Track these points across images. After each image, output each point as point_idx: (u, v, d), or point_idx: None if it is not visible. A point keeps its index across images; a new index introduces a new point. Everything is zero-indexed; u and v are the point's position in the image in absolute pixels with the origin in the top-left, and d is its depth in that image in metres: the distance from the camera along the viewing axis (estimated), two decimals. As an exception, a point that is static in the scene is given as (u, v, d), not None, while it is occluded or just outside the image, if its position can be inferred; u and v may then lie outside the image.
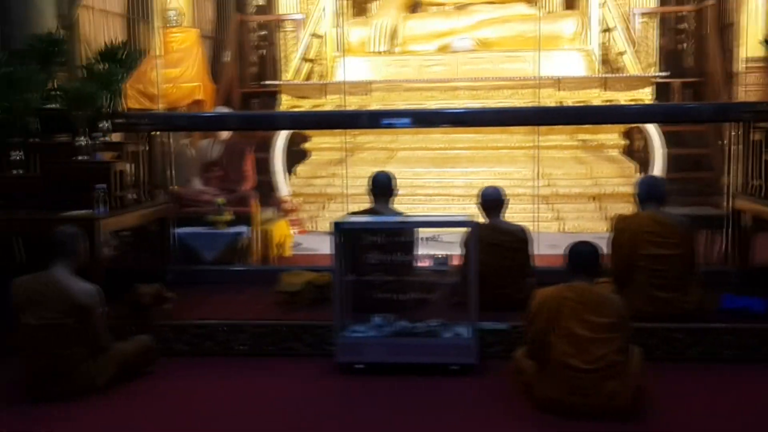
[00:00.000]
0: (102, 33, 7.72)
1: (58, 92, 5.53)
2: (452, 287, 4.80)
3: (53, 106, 5.83)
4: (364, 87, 8.98)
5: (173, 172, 6.29)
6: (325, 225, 8.60)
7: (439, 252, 5.19)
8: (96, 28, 7.67)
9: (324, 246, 7.85)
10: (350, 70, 9.35)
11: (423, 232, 5.16)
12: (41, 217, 5.10)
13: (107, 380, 4.30)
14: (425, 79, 9.06)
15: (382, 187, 5.31)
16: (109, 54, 5.76)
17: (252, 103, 10.63)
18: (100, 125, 5.47)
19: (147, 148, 5.88)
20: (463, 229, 5.07)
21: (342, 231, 4.58)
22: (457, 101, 8.76)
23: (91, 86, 5.38)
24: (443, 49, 9.46)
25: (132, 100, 8.14)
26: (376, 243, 4.66)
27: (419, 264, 5.08)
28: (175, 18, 8.61)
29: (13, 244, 6.20)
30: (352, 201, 8.05)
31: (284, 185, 8.86)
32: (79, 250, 4.40)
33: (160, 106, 7.83)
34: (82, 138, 5.36)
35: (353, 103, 8.80)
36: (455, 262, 5.06)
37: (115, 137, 5.99)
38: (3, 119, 5.56)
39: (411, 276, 4.83)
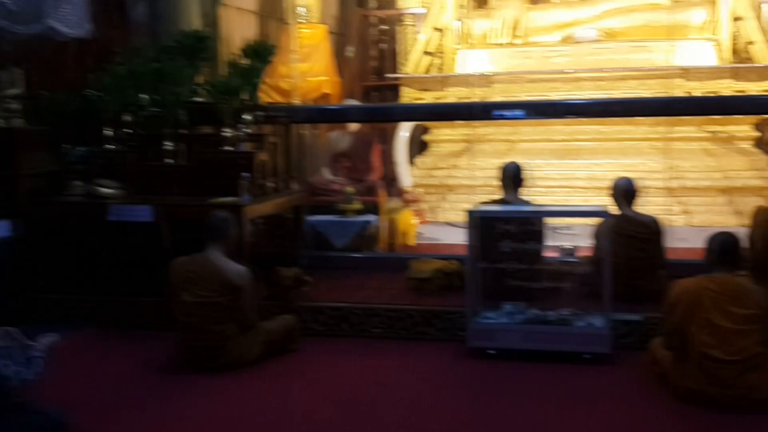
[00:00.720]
0: (237, 30, 8.11)
1: (205, 86, 5.89)
2: (583, 277, 4.84)
3: (199, 99, 6.22)
4: (485, 79, 9.03)
5: (306, 162, 6.57)
6: (446, 215, 8.75)
7: (566, 243, 5.24)
8: (232, 25, 8.06)
9: (445, 236, 8.03)
10: (471, 62, 9.44)
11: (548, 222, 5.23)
12: (191, 204, 5.48)
13: (256, 356, 4.60)
14: (548, 70, 9.02)
15: (513, 177, 5.39)
16: (251, 50, 6.08)
17: (372, 96, 10.87)
18: (244, 117, 5.78)
19: (284, 140, 6.17)
20: (595, 220, 5.10)
21: (476, 219, 4.69)
22: (580, 92, 8.67)
23: (236, 80, 5.70)
24: (566, 40, 9.39)
25: (263, 94, 8.49)
26: (508, 231, 4.76)
27: (547, 254, 5.16)
28: (304, 14, 8.93)
29: (162, 228, 6.67)
30: (475, 192, 8.17)
31: (406, 176, 9.05)
32: (231, 233, 4.72)
33: (293, 100, 8.15)
34: (228, 129, 5.69)
35: (474, 95, 8.87)
36: (582, 252, 5.09)
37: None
38: (155, 112, 6.00)
39: (541, 265, 4.91)
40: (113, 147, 5.91)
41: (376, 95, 10.87)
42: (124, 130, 5.99)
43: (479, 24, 9.67)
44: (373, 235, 6.81)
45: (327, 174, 7.45)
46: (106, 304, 5.49)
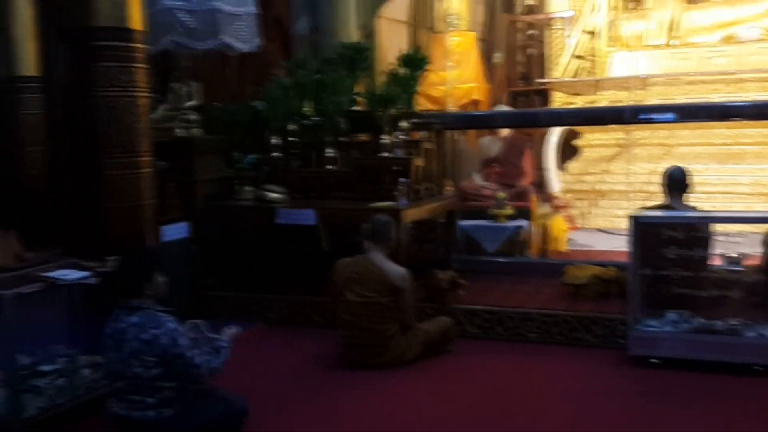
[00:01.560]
0: (389, 40, 8.36)
1: (364, 95, 6.13)
2: (751, 286, 4.66)
3: (357, 108, 6.47)
4: (641, 81, 8.80)
5: (459, 168, 6.67)
6: (597, 222, 8.60)
7: (731, 251, 5.06)
8: (384, 35, 8.32)
9: (597, 242, 7.90)
10: (625, 64, 9.22)
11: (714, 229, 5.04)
12: (350, 208, 5.72)
13: (414, 356, 4.75)
14: (708, 71, 8.68)
15: (677, 182, 5.25)
16: (406, 59, 6.26)
17: (519, 101, 10.84)
18: (400, 124, 5.97)
19: (437, 146, 6.31)
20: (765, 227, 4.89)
21: (640, 224, 4.62)
22: (744, 94, 8.28)
23: (394, 89, 5.90)
24: (728, 40, 8.99)
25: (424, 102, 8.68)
26: (674, 237, 4.65)
27: (712, 262, 4.99)
28: (454, 23, 9.07)
29: (321, 231, 6.98)
30: (628, 198, 7.98)
31: (555, 181, 8.97)
32: (392, 236, 4.90)
33: (442, 107, 8.30)
34: (386, 136, 5.89)
35: (629, 98, 8.68)
36: (749, 261, 4.89)
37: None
38: (317, 121, 6.31)
39: (707, 273, 4.76)
40: (278, 154, 6.26)
41: (523, 101, 10.83)
42: (289, 138, 6.34)
43: (632, 25, 9.44)
44: (525, 241, 6.82)
45: (478, 179, 7.52)
46: (274, 302, 5.82)
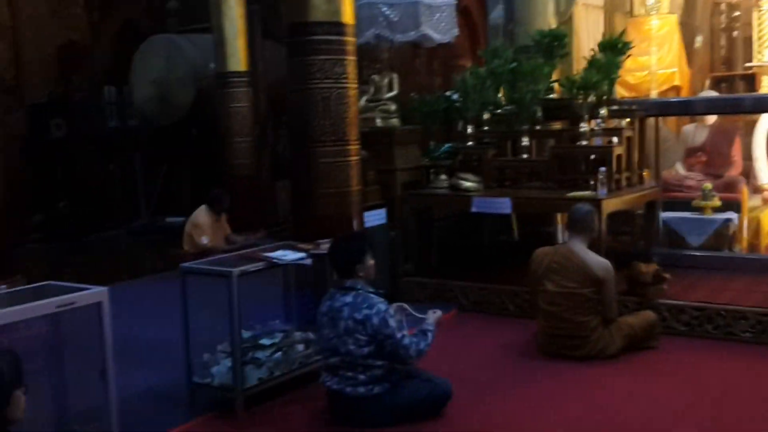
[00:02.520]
0: (585, 26, 8.14)
1: (562, 82, 6.02)
2: None
3: (553, 96, 6.38)
4: None
5: (660, 157, 6.38)
6: (813, 216, 7.89)
7: None
8: (579, 21, 8.10)
9: (813, 238, 7.26)
10: None
11: None
12: (548, 197, 5.66)
13: (617, 350, 4.63)
14: None
15: None
16: (608, 44, 6.08)
17: (721, 87, 10.16)
18: (600, 112, 5.81)
19: (638, 134, 6.08)
20: None
21: None
22: None
23: (595, 75, 5.75)
24: None
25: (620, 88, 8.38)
26: None
27: None
28: (653, 5, 8.68)
29: (512, 220, 6.98)
30: None
31: (765, 172, 8.33)
32: (594, 227, 4.79)
33: (638, 94, 7.96)
34: (584, 124, 5.76)
35: None
36: None
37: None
38: (512, 109, 6.29)
39: None
40: (473, 143, 6.31)
41: (726, 86, 10.14)
42: (483, 127, 6.37)
43: None
44: (733, 234, 6.42)
45: (680, 169, 7.17)
46: (467, 289, 5.87)
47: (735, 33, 10.44)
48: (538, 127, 6.22)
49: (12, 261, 6.41)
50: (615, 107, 6.02)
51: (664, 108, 6.72)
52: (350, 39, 4.71)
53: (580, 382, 4.33)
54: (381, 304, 3.74)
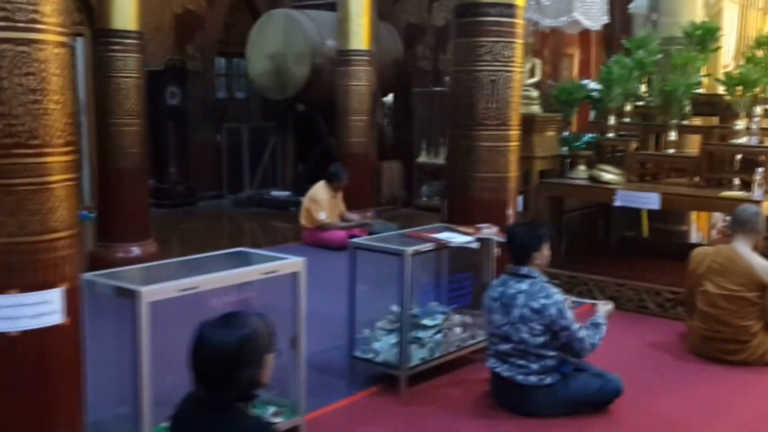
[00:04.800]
0: (729, 21, 7.82)
1: (718, 78, 5.82)
2: None
3: (701, 91, 6.18)
4: None
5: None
6: None
7: None
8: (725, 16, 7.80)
9: None
10: None
11: None
12: (698, 195, 5.48)
13: (777, 357, 4.48)
14: None
15: None
16: (765, 41, 5.85)
17: None
18: (756, 110, 5.59)
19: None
20: None
21: None
22: None
23: (754, 71, 5.53)
24: None
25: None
26: None
27: None
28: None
29: (642, 215, 6.82)
30: None
31: None
32: (760, 228, 4.62)
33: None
34: (740, 122, 5.56)
35: None
36: None
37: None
38: (658, 102, 6.13)
39: None
40: (614, 135, 6.17)
41: None
42: (624, 119, 6.22)
43: None
44: None
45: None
46: (604, 284, 5.75)
47: None
48: (685, 122, 6.04)
49: (147, 224, 6.56)
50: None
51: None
52: (520, 21, 4.62)
53: (743, 387, 4.21)
54: (558, 295, 3.68)
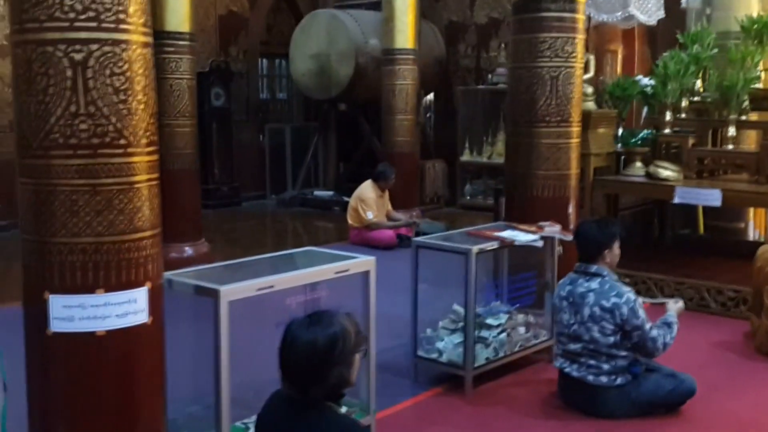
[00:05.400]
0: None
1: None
2: None
3: (759, 85, 6.04)
4: None
5: None
6: None
7: None
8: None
9: None
10: None
11: None
12: (762, 192, 5.36)
13: None
14: None
15: None
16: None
17: None
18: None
19: None
20: None
21: None
22: None
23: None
24: None
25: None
26: None
27: None
28: None
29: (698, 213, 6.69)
30: None
31: None
32: (832, 226, 4.50)
33: None
34: (805, 116, 5.44)
35: None
36: None
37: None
38: (713, 97, 6.01)
39: None
40: (671, 131, 6.06)
41: None
42: (683, 115, 6.11)
43: None
44: None
45: None
46: (663, 283, 5.65)
47: None
48: (744, 117, 5.91)
49: (200, 225, 6.60)
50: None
51: None
52: (581, 17, 4.55)
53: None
54: (630, 294, 3.61)
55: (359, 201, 7.94)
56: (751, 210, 6.79)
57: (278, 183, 11.65)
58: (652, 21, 5.98)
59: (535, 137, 4.55)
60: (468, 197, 10.64)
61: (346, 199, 10.31)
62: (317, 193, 11.23)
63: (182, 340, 2.88)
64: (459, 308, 4.14)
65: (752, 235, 6.88)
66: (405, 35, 8.86)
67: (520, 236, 4.07)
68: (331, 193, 11.05)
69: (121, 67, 2.28)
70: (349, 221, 8.04)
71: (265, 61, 12.62)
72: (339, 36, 10.14)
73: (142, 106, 2.35)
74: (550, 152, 4.55)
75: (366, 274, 3.21)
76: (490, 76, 10.57)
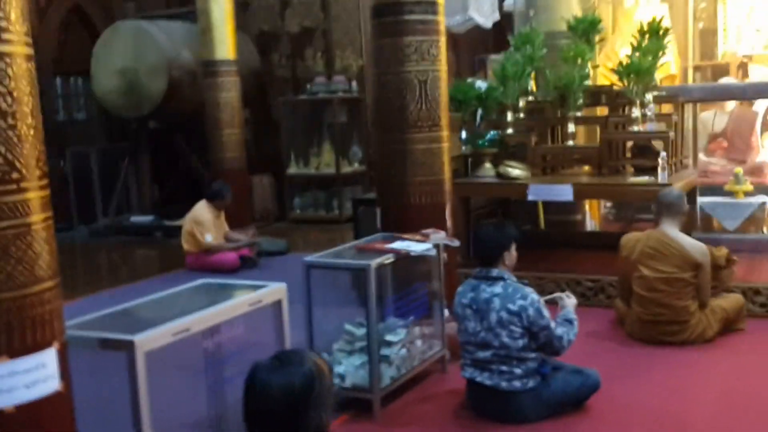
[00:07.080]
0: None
1: (612, 68, 6.00)
2: None
3: (588, 83, 6.36)
4: None
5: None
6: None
7: None
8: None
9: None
10: None
11: None
12: (612, 183, 5.61)
13: (714, 333, 4.62)
14: None
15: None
16: (651, 30, 6.11)
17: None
18: (647, 97, 5.82)
19: (680, 119, 6.14)
20: None
21: None
22: None
23: (646, 61, 5.75)
24: None
25: (601, 76, 8.49)
26: None
27: None
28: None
29: (538, 209, 6.90)
30: None
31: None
32: (684, 210, 4.76)
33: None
34: (635, 109, 5.76)
35: None
36: None
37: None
38: (550, 95, 6.24)
39: None
40: (513, 131, 6.21)
41: (700, 76, 10.42)
42: (521, 115, 6.27)
43: None
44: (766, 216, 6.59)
45: (701, 155, 7.31)
46: (529, 280, 5.72)
47: (700, 24, 10.77)
48: (579, 114, 6.18)
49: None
50: (658, 93, 6.05)
51: (708, 93, 6.79)
52: (441, 19, 4.48)
53: (699, 366, 4.29)
54: (533, 294, 3.56)
55: (194, 224, 7.40)
56: (587, 203, 7.15)
57: (87, 211, 10.65)
58: (488, 23, 6.09)
59: (409, 143, 4.42)
60: (298, 210, 10.36)
61: (167, 223, 9.66)
62: (134, 219, 10.42)
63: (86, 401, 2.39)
64: (351, 328, 3.90)
65: (589, 225, 7.24)
66: (226, 46, 8.45)
67: (413, 246, 3.91)
68: (150, 218, 10.28)
69: (6, 85, 1.82)
70: (185, 246, 7.47)
71: (59, 79, 11.56)
72: (147, 49, 9.47)
73: (32, 132, 1.91)
74: (425, 157, 4.43)
75: (278, 303, 2.87)
76: (308, 85, 10.36)
